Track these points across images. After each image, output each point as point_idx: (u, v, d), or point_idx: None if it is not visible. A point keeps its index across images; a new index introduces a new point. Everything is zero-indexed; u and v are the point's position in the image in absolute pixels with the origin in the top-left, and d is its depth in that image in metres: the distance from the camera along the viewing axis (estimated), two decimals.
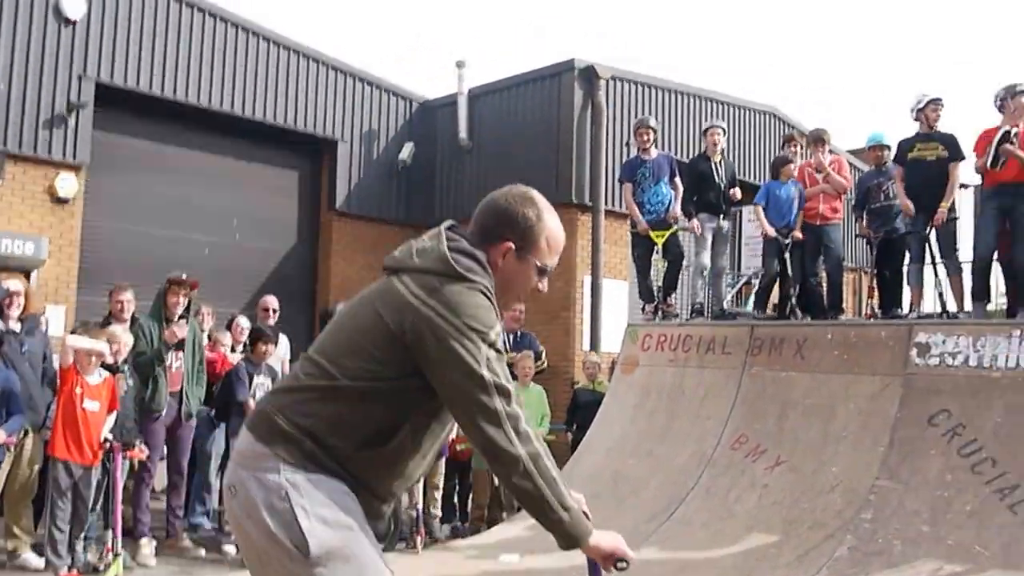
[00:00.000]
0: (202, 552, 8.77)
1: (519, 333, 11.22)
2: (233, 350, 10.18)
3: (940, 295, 9.62)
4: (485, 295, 2.60)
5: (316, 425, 2.55)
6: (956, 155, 9.25)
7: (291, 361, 10.77)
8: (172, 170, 14.33)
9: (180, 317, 8.75)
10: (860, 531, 7.33)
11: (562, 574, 7.52)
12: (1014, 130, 8.66)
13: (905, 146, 9.60)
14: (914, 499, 7.37)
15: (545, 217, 2.77)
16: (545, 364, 11.25)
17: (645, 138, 10.72)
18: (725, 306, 10.67)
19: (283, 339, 10.51)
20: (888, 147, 10.03)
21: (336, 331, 2.75)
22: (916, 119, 9.58)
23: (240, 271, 14.92)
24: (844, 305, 10.55)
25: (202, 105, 14.09)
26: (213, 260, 14.35)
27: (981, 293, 9.08)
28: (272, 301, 10.82)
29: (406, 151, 16.26)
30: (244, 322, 10.46)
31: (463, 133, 16.00)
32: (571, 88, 14.68)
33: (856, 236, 10.49)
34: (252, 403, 8.73)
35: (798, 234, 9.85)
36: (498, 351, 2.53)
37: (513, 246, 2.72)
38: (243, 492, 2.55)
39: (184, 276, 8.83)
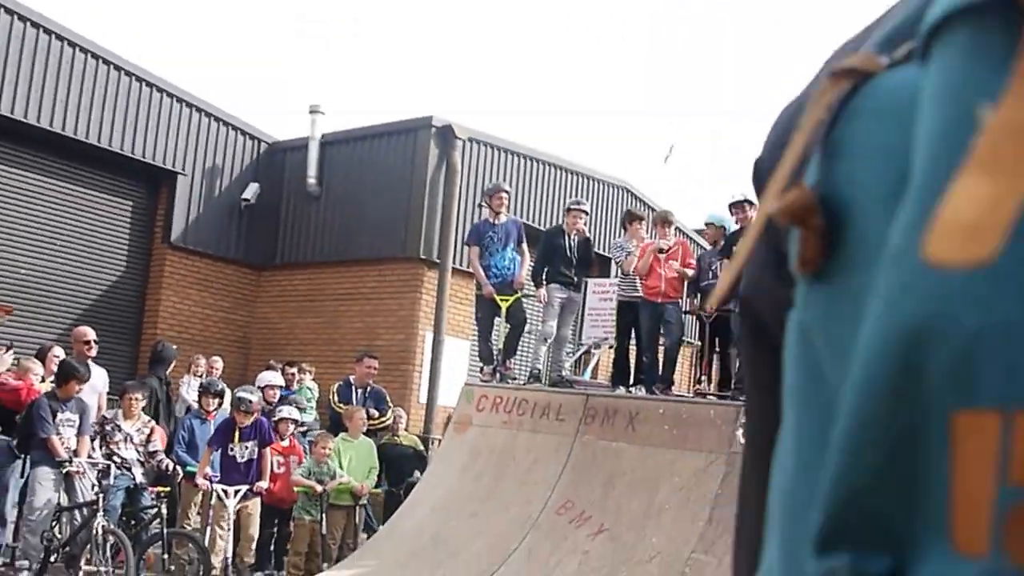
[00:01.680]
0: None
1: (367, 388, 11.16)
2: (44, 380, 9.67)
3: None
4: None
5: None
6: None
7: (109, 394, 10.35)
8: None
9: None
10: None
11: None
12: None
13: (731, 240, 10.00)
14: (728, 573, 7.51)
15: None
16: (391, 419, 11.19)
17: (499, 202, 10.80)
18: (564, 374, 10.74)
19: (100, 372, 10.13)
20: (725, 227, 10.43)
21: None
22: (732, 215, 10.03)
23: (62, 297, 14.26)
24: (676, 380, 10.80)
25: (31, 122, 13.41)
26: (32, 284, 13.66)
27: None
28: (88, 333, 10.35)
29: (251, 191, 15.90)
30: (58, 352, 9.99)
31: (312, 178, 15.80)
32: (427, 145, 14.74)
33: (685, 312, 10.73)
34: (56, 439, 8.46)
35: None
36: None
37: None
38: None
39: None
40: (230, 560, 8.75)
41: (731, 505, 7.68)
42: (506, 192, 10.93)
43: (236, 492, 9.08)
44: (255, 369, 14.13)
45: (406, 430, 11.74)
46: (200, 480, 9.24)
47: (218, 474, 9.33)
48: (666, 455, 8.65)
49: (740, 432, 8.35)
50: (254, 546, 9.30)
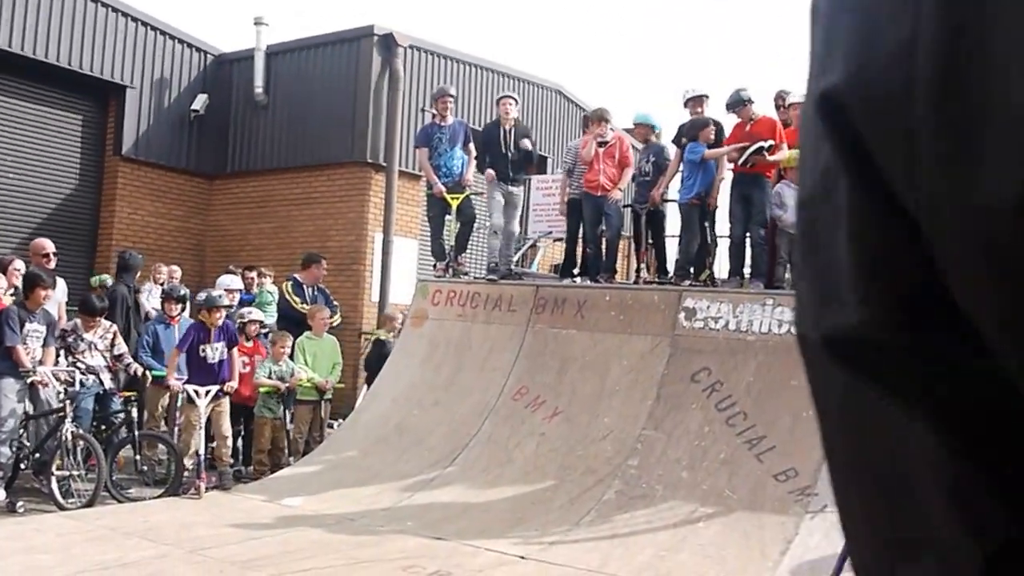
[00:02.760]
0: None
1: (315, 287, 11.44)
2: (5, 292, 9.78)
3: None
4: None
5: None
6: (723, 142, 10.02)
7: (68, 305, 10.47)
8: None
9: None
10: (627, 476, 8.00)
11: (346, 518, 7.84)
12: (767, 143, 9.52)
13: (683, 130, 10.35)
14: (676, 448, 8.09)
15: None
16: (339, 320, 11.58)
17: (445, 106, 11.04)
18: (512, 267, 11.13)
19: (60, 283, 10.22)
20: (653, 126, 10.78)
21: None
22: (686, 108, 10.36)
23: (17, 212, 14.32)
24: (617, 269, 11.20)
25: None
26: None
27: (737, 267, 9.93)
28: (47, 244, 10.47)
29: (199, 102, 15.97)
30: (19, 265, 10.07)
31: (259, 88, 15.86)
32: (370, 53, 14.85)
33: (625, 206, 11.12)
34: (21, 349, 8.58)
35: (656, 197, 10.33)
36: None
37: None
38: None
39: None
40: (202, 459, 9.04)
41: (677, 383, 8.24)
42: (451, 96, 11.20)
43: (207, 392, 9.31)
44: (212, 275, 14.33)
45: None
46: (172, 382, 9.47)
47: (184, 375, 9.52)
48: (614, 340, 9.15)
49: (682, 315, 8.85)
50: (228, 443, 9.59)
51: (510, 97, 11.16)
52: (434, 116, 11.30)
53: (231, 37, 44.61)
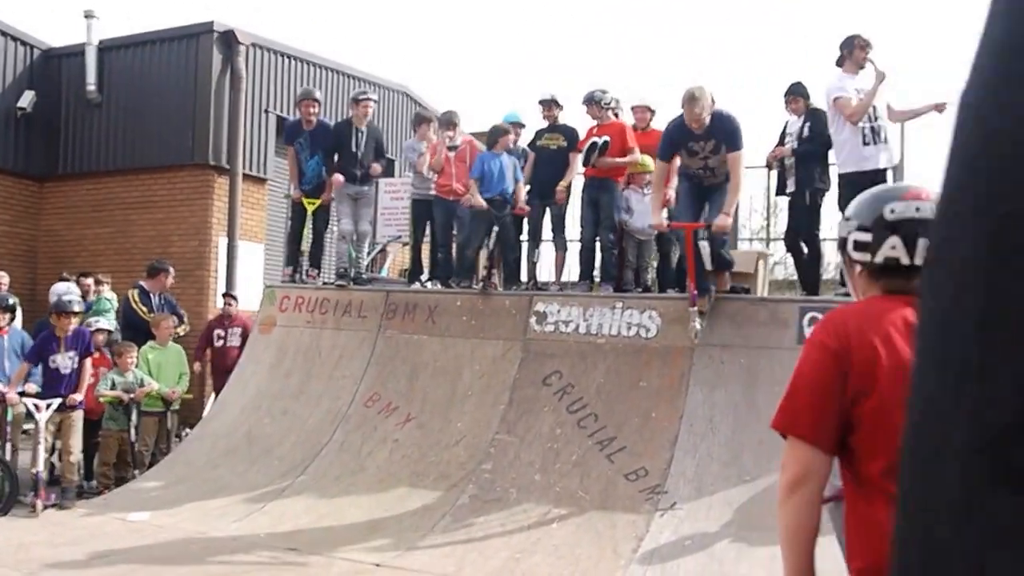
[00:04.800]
0: None
1: (162, 296, 11.09)
2: None
3: (532, 265, 10.54)
4: None
5: None
6: (573, 146, 10.20)
7: None
8: None
9: None
10: (481, 481, 8.06)
11: (196, 531, 7.65)
12: (601, 140, 9.75)
13: (536, 136, 10.48)
14: (528, 451, 8.20)
15: None
16: (188, 327, 11.23)
17: (308, 109, 10.84)
18: (362, 272, 11.03)
19: None
20: (523, 125, 10.90)
21: None
22: (541, 114, 10.49)
23: None
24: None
25: None
26: None
27: (586, 271, 10.11)
28: None
29: (26, 99, 15.13)
30: None
31: (92, 85, 15.17)
32: (209, 51, 14.43)
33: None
34: None
35: (522, 207, 10.08)
36: None
37: None
38: None
39: None
40: (40, 475, 8.60)
41: (529, 387, 8.35)
42: (315, 99, 10.94)
43: (48, 405, 8.92)
44: (45, 282, 13.73)
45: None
46: (11, 395, 9.01)
47: (34, 387, 9.11)
48: (466, 345, 9.21)
49: (533, 319, 8.97)
50: (75, 459, 9.17)
51: (370, 99, 11.01)
52: (301, 121, 10.99)
53: (59, 31, 42.68)
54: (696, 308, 8.16)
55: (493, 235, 9.94)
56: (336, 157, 10.74)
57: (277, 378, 9.83)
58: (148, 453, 9.80)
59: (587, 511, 7.52)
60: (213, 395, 10.98)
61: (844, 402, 2.26)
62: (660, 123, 9.98)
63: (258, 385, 9.86)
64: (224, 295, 12.05)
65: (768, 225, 14.58)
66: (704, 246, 8.05)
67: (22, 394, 9.07)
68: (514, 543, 7.16)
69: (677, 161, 8.63)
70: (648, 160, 9.68)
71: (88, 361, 9.29)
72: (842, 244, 2.55)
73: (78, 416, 9.21)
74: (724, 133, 8.13)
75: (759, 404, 7.85)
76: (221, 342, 11.24)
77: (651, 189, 8.78)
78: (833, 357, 2.27)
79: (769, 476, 7.39)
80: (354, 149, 10.65)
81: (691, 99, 8.01)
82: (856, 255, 2.47)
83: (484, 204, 9.78)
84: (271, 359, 10.00)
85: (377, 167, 10.85)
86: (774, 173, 10.15)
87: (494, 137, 10.12)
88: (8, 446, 9.29)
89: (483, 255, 10.23)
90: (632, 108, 10.25)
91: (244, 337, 11.07)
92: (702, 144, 8.21)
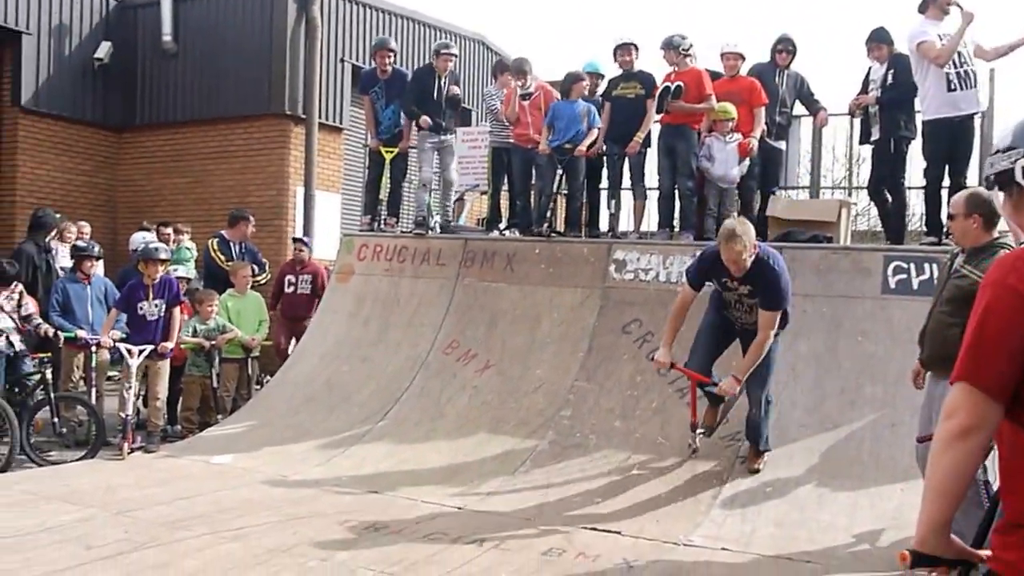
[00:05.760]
0: None
1: (243, 245, 11.19)
2: None
3: (612, 216, 10.48)
4: None
5: None
6: (650, 93, 10.04)
7: None
8: None
9: None
10: (560, 427, 8.06)
11: (278, 474, 7.76)
12: (673, 85, 9.59)
13: (611, 84, 10.34)
14: (608, 398, 8.18)
15: None
16: (269, 276, 11.35)
17: (384, 59, 10.79)
18: (450, 220, 11.06)
19: None
20: (602, 75, 10.75)
21: None
22: (615, 60, 10.34)
23: None
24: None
25: None
26: None
27: (666, 219, 10.00)
28: None
29: (103, 50, 15.33)
30: None
31: (168, 36, 15.32)
32: (284, 0, 14.47)
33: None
34: None
35: (582, 149, 9.94)
36: None
37: None
38: None
39: None
40: (129, 419, 8.80)
41: (608, 335, 8.31)
42: (391, 50, 10.88)
43: (140, 352, 9.04)
44: (125, 232, 13.98)
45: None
46: (106, 340, 9.21)
47: (118, 334, 9.29)
48: (544, 292, 9.19)
49: (612, 267, 8.92)
50: (160, 404, 9.36)
51: (451, 53, 10.93)
52: (376, 70, 10.97)
53: None
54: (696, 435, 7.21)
55: (557, 180, 9.93)
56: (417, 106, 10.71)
57: (356, 326, 9.89)
58: (230, 399, 9.97)
59: (667, 457, 7.49)
60: (293, 342, 11.00)
61: None
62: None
63: (336, 333, 9.93)
64: (294, 240, 12.06)
65: (850, 174, 14.30)
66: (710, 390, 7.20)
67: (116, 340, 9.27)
68: (594, 488, 7.16)
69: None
70: (731, 108, 9.54)
71: (177, 310, 9.40)
72: (1005, 178, 2.34)
73: (164, 363, 9.36)
74: (764, 286, 6.74)
75: (841, 353, 7.77)
76: (292, 288, 11.27)
77: (672, 308, 7.23)
78: None
79: (851, 424, 7.36)
80: (437, 96, 10.62)
81: (730, 236, 6.60)
82: None
83: (548, 150, 9.81)
84: (349, 307, 10.07)
85: (455, 90, 10.76)
86: (857, 121, 9.94)
87: (568, 84, 10.08)
88: (94, 391, 9.53)
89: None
90: (721, 55, 10.03)
91: (314, 284, 11.15)
92: (737, 284, 6.88)
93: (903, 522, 6.02)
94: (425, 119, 10.43)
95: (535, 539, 5.79)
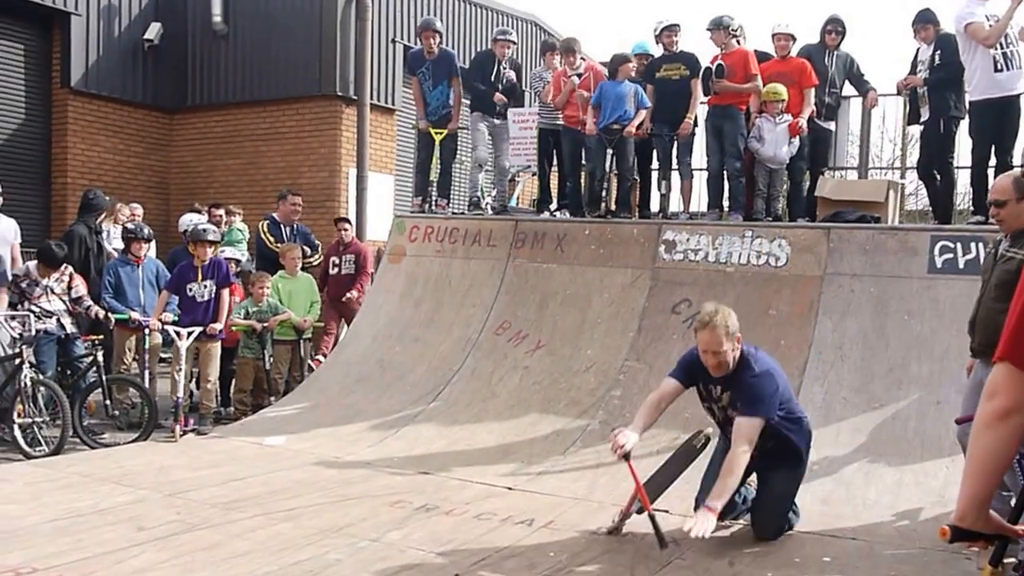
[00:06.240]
0: None
1: (295, 226, 11.28)
2: None
3: (663, 196, 10.46)
4: None
5: None
6: (696, 73, 9.98)
7: (22, 245, 10.14)
8: None
9: None
10: (611, 407, 8.08)
11: (330, 455, 7.85)
12: (715, 64, 9.55)
13: (653, 66, 10.30)
14: (658, 378, 8.01)
15: None
16: (320, 257, 11.45)
17: (429, 40, 10.79)
18: (506, 203, 11.12)
19: (10, 223, 9.89)
20: (651, 55, 10.70)
21: None
22: (658, 43, 10.29)
23: None
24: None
25: None
26: None
27: (715, 200, 9.98)
28: None
29: (153, 31, 15.44)
30: None
31: (218, 17, 15.42)
32: None
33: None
34: None
35: (631, 129, 9.93)
36: None
37: None
38: None
39: None
40: (180, 401, 8.93)
41: (658, 315, 8.30)
42: (436, 31, 10.87)
43: (189, 334, 9.18)
44: (177, 214, 14.09)
45: None
46: (154, 322, 9.37)
47: (171, 316, 9.43)
48: (595, 273, 9.20)
49: (662, 248, 8.91)
50: (212, 386, 9.53)
51: (509, 40, 10.95)
52: (422, 51, 10.97)
53: None
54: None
55: (607, 160, 9.92)
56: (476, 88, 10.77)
57: (408, 307, 9.97)
58: (282, 380, 10.07)
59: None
60: (345, 324, 11.09)
61: None
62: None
63: (389, 314, 10.01)
64: (336, 220, 12.01)
65: (903, 155, 14.12)
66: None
67: (164, 323, 9.40)
68: (643, 467, 7.12)
69: None
70: (781, 88, 9.49)
71: (226, 291, 9.52)
72: None
73: (216, 345, 9.48)
74: (743, 393, 5.58)
75: (888, 332, 7.74)
76: (336, 269, 11.30)
77: (647, 402, 6.10)
78: None
79: (898, 403, 7.34)
80: (494, 79, 10.64)
81: (702, 325, 5.55)
82: None
83: (595, 131, 9.85)
84: (401, 288, 10.14)
85: (501, 97, 10.79)
86: (906, 102, 9.85)
87: (615, 65, 10.10)
88: (147, 373, 9.65)
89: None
90: (772, 35, 9.96)
91: (357, 263, 11.20)
92: (716, 389, 5.83)
93: (948, 499, 6.02)
94: (500, 96, 10.48)
95: (585, 518, 5.81)
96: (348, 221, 11.83)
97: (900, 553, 5.55)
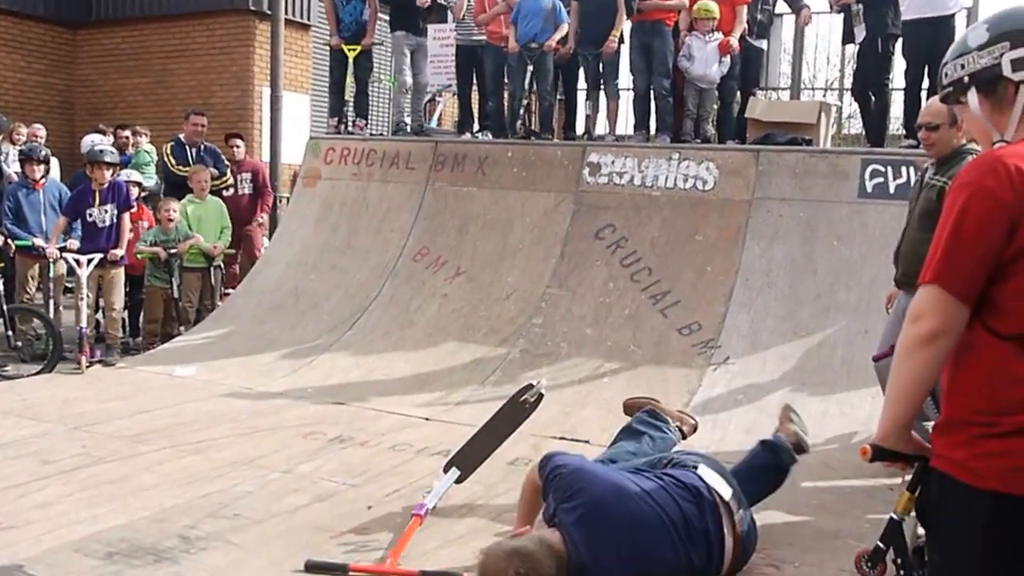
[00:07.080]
0: None
1: (202, 146, 10.69)
2: None
3: (588, 118, 10.20)
4: None
5: None
6: None
7: None
8: None
9: None
10: (531, 335, 7.91)
11: (242, 386, 7.59)
12: None
13: None
14: (580, 305, 8.01)
15: None
16: (230, 180, 10.88)
17: None
18: (423, 123, 10.70)
19: None
20: None
21: None
22: None
23: None
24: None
25: None
26: None
27: (641, 121, 9.72)
28: None
29: None
30: None
31: None
32: None
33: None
34: None
35: (551, 44, 9.58)
36: None
37: None
38: None
39: None
40: (85, 331, 8.51)
41: (581, 240, 8.11)
42: None
43: (89, 261, 8.76)
44: (82, 135, 13.50)
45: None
46: (51, 249, 8.90)
47: (75, 242, 9.00)
48: (517, 197, 8.94)
49: (586, 171, 8.66)
50: (117, 315, 9.13)
51: None
52: None
53: None
54: None
55: (527, 78, 9.63)
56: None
57: (323, 232, 9.62)
58: (192, 309, 9.67)
59: (639, 365, 7.39)
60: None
61: (1002, 257, 2.06)
62: None
63: (304, 240, 9.66)
64: (226, 137, 11.46)
65: (841, 76, 14.03)
66: None
67: (62, 250, 8.93)
68: (565, 397, 7.03)
69: None
70: (712, 5, 9.20)
71: (127, 215, 9.10)
72: (986, 75, 2.24)
73: (119, 272, 9.10)
74: None
75: (817, 258, 7.65)
76: (231, 191, 10.83)
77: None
78: (1005, 210, 2.03)
79: (825, 331, 7.28)
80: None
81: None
82: (1019, 75, 2.18)
83: (518, 48, 9.53)
84: (316, 213, 9.78)
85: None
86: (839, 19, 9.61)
87: None
88: (51, 303, 9.26)
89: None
90: None
91: (255, 183, 10.82)
92: None
93: (872, 430, 5.89)
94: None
95: (502, 449, 5.63)
96: (240, 136, 11.33)
97: (822, 484, 5.49)
